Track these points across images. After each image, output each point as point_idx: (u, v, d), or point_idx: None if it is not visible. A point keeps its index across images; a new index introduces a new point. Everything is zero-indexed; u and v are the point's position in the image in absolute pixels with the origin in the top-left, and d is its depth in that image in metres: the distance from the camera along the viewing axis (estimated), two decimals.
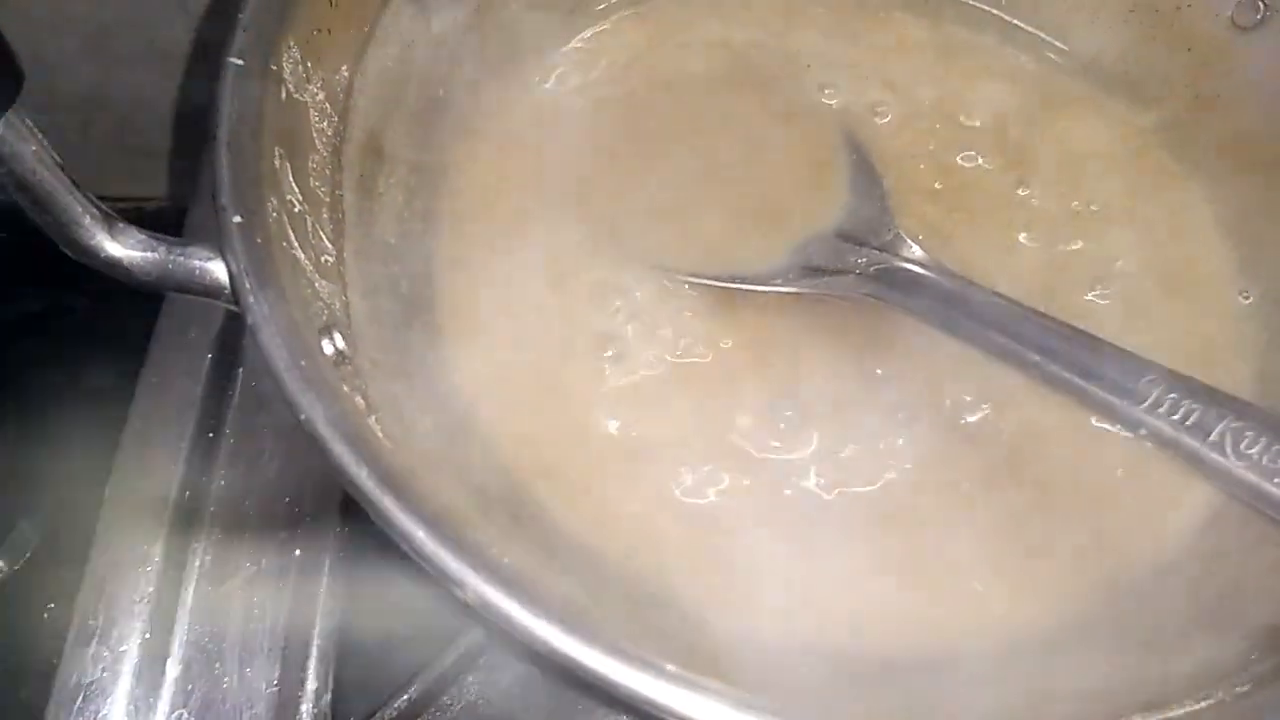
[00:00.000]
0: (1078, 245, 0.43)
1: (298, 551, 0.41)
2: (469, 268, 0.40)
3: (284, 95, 0.34)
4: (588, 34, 0.47)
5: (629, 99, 0.46)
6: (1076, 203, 0.43)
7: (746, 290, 0.40)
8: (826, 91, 0.46)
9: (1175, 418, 0.30)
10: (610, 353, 0.39)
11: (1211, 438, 0.29)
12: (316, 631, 0.40)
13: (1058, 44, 0.48)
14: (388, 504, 0.25)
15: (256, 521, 0.42)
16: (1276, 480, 0.28)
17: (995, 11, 0.49)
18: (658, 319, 0.40)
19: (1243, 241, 0.43)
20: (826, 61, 0.47)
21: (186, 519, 0.41)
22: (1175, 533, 0.35)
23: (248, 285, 0.28)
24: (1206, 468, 0.29)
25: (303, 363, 0.27)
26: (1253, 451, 0.29)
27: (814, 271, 0.40)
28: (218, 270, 0.29)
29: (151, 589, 0.40)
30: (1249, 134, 0.43)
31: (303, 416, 0.26)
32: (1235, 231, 0.43)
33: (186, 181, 0.30)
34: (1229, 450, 0.29)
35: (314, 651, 0.39)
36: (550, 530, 0.35)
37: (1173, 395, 0.31)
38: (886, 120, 0.45)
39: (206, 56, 0.33)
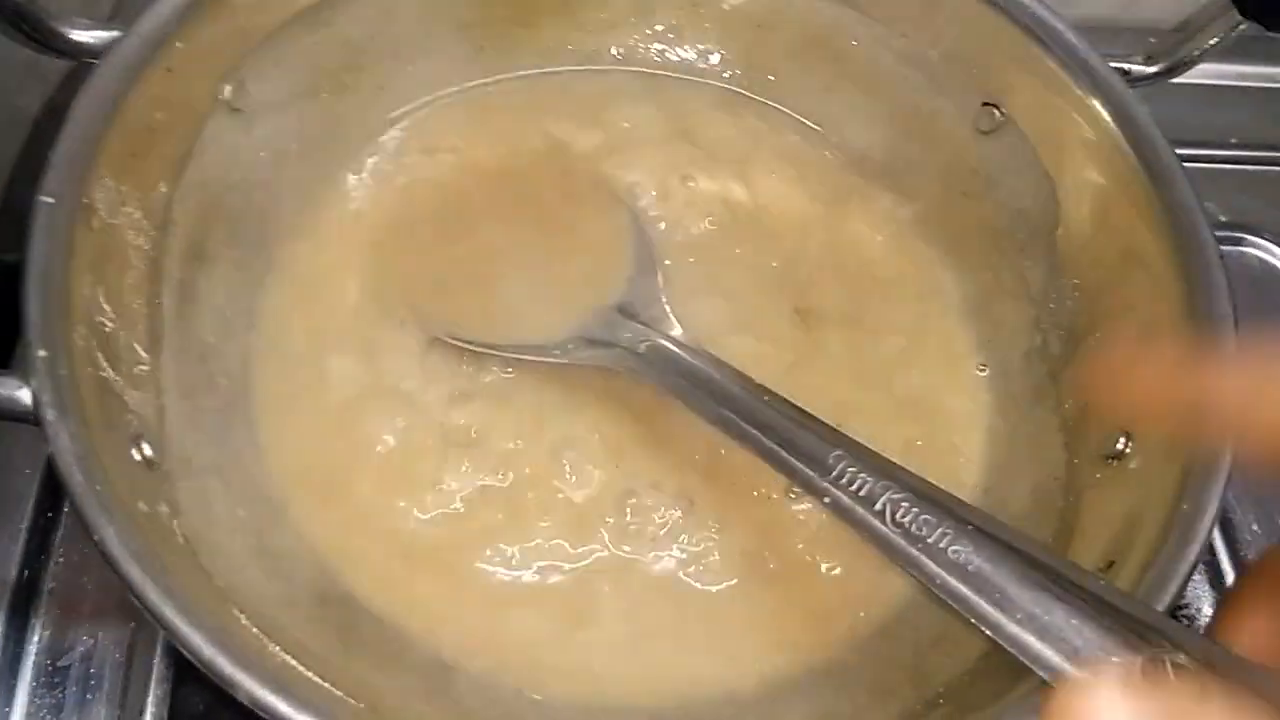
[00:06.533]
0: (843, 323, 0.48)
1: (133, 624, 0.44)
2: (286, 359, 0.44)
3: (96, 224, 0.37)
4: (404, 124, 0.51)
5: (438, 184, 0.50)
6: (843, 288, 0.49)
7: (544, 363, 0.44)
8: (622, 173, 0.51)
9: (852, 489, 0.34)
10: (423, 440, 0.43)
11: (876, 507, 0.33)
12: (150, 699, 0.43)
13: (834, 140, 0.53)
14: (169, 615, 0.29)
15: (94, 598, 0.45)
16: (918, 546, 0.32)
17: (785, 110, 0.54)
18: (471, 407, 0.44)
19: (983, 320, 0.49)
20: (625, 147, 0.52)
21: (25, 597, 0.44)
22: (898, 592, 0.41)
23: (49, 416, 0.31)
24: (873, 536, 0.33)
25: (98, 487, 0.31)
26: (905, 520, 0.32)
27: (591, 344, 0.44)
28: (27, 397, 0.33)
29: None
30: (989, 223, 0.49)
31: (96, 537, 0.30)
32: (976, 311, 0.49)
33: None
34: (888, 519, 0.33)
35: None
36: (356, 610, 0.39)
37: (852, 468, 0.34)
38: (671, 201, 0.50)
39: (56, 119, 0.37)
